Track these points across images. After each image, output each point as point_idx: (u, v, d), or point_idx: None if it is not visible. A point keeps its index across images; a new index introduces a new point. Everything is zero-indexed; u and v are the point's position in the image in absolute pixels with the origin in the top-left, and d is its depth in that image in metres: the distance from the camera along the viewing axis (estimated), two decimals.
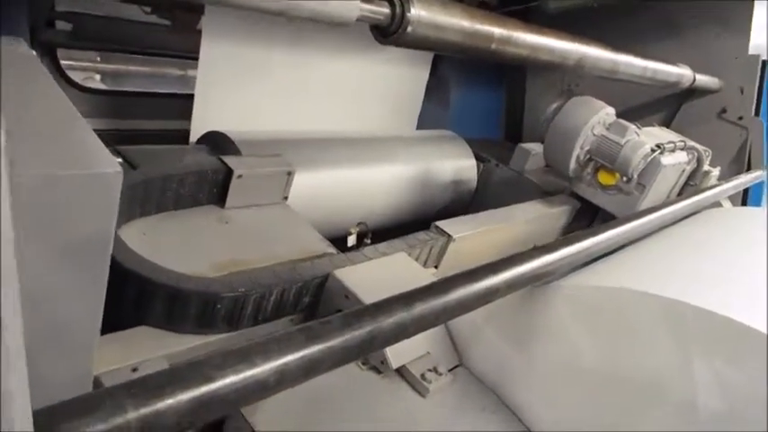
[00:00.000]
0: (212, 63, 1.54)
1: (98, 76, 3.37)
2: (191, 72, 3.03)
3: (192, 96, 1.56)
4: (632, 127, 1.48)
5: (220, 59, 1.56)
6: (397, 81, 2.14)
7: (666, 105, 2.41)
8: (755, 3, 2.17)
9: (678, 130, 2.26)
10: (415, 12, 0.78)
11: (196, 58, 1.53)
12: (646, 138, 1.56)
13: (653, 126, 1.99)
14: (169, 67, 3.49)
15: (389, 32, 0.79)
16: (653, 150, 1.49)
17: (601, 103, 1.51)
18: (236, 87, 1.61)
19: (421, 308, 0.58)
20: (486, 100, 2.91)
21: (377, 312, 0.55)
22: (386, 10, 0.77)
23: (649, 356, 0.86)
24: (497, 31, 0.92)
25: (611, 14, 2.29)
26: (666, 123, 2.38)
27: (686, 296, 0.86)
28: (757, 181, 2.20)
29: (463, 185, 2.06)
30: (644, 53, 2.31)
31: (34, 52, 0.61)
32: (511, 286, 0.75)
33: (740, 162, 2.29)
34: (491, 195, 2.08)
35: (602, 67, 1.32)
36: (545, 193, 1.83)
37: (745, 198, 2.32)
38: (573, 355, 0.91)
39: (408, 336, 0.57)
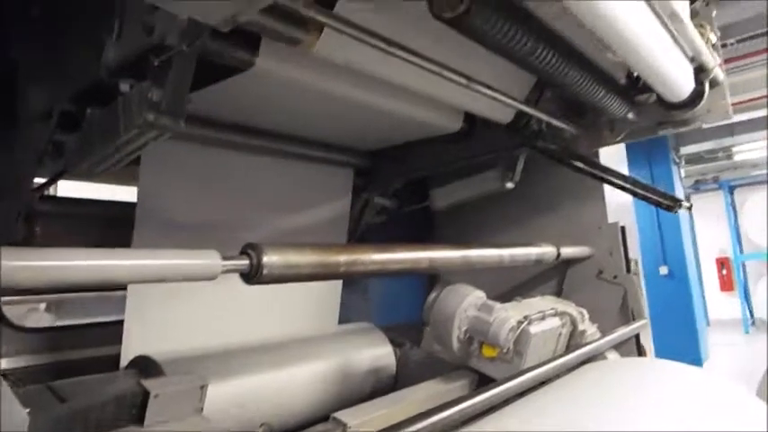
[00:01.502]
0: (139, 291, 1.78)
1: (42, 306, 3.53)
2: None
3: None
4: (497, 305, 1.76)
5: (147, 288, 1.81)
6: (316, 285, 2.41)
7: (556, 274, 2.75)
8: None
9: (568, 295, 2.59)
10: (268, 259, 1.06)
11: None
12: (518, 311, 1.84)
13: (537, 297, 2.31)
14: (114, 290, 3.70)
15: (251, 277, 1.07)
16: (520, 322, 1.76)
17: (471, 288, 1.81)
18: (163, 311, 1.84)
19: None
20: (408, 284, 3.22)
21: None
22: (245, 261, 1.06)
23: None
24: (343, 258, 1.21)
25: (491, 202, 2.72)
26: (558, 290, 2.71)
27: None
28: (640, 330, 2.50)
29: (382, 372, 2.25)
30: (522, 231, 2.72)
31: None
32: None
33: (626, 313, 2.59)
34: (409, 377, 2.27)
35: (455, 264, 1.63)
36: (454, 368, 2.05)
37: (639, 345, 2.59)
38: None
39: None
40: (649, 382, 1.70)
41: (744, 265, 10.97)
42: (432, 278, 3.21)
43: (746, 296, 10.84)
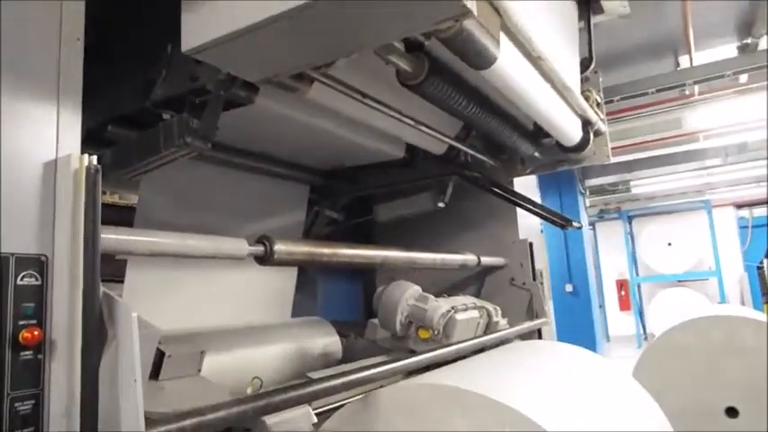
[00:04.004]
0: (135, 283, 2.12)
1: None
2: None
3: None
4: (431, 297, 2.24)
5: (141, 279, 2.15)
6: (273, 283, 2.82)
7: (476, 280, 3.27)
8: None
9: (486, 297, 3.11)
10: (277, 247, 1.49)
11: (121, 281, 2.12)
12: (446, 303, 2.33)
13: (460, 295, 2.82)
14: None
15: (264, 260, 1.49)
16: (448, 311, 2.25)
17: (410, 284, 2.28)
18: (154, 299, 2.19)
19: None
20: (348, 289, 3.68)
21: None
22: (261, 248, 1.48)
23: None
24: (326, 251, 1.65)
25: (424, 219, 3.23)
26: (478, 293, 3.24)
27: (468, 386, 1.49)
28: (542, 326, 3.06)
29: (331, 357, 2.67)
30: (449, 245, 3.24)
31: None
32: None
33: (531, 313, 3.14)
34: (354, 361, 2.70)
35: (402, 263, 2.11)
36: (391, 353, 2.50)
37: (541, 336, 3.15)
38: None
39: None
40: (544, 355, 2.23)
41: (639, 287, 12.18)
42: (366, 284, 3.69)
43: (641, 314, 12.02)
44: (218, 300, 2.47)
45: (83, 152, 1.53)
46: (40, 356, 0.86)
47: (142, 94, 1.63)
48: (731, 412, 3.46)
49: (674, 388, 3.15)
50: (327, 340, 2.70)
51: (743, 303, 11.16)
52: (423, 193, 3.02)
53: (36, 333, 0.85)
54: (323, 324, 2.79)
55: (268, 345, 2.38)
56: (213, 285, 2.44)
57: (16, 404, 0.83)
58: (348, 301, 3.66)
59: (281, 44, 1.20)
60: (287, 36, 1.17)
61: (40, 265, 0.89)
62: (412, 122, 2.02)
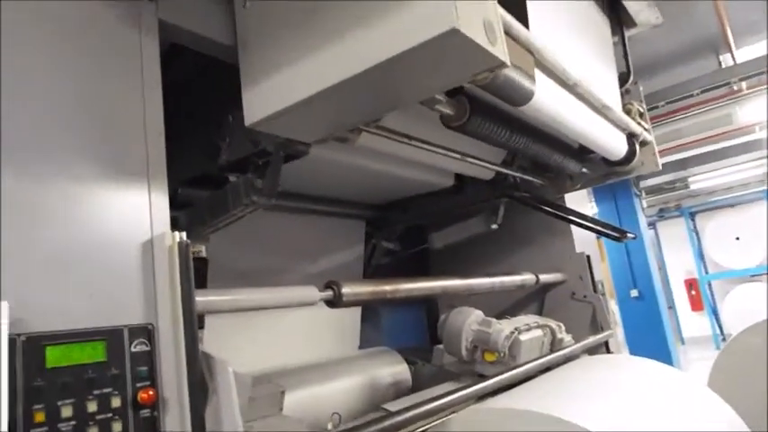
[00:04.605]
0: (214, 328, 2.28)
1: None
2: None
3: None
4: (494, 320, 2.30)
5: (219, 325, 2.31)
6: (340, 318, 2.93)
7: (537, 298, 3.30)
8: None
9: (549, 314, 3.13)
10: (345, 290, 1.60)
11: (201, 327, 2.28)
12: (509, 324, 2.38)
13: (523, 315, 2.86)
14: None
15: (334, 304, 1.60)
16: (512, 332, 2.30)
17: (471, 309, 2.35)
18: (232, 341, 2.34)
19: None
20: (411, 316, 3.76)
21: None
22: (330, 293, 1.59)
23: None
24: (388, 288, 1.75)
25: (479, 241, 3.29)
26: (540, 310, 3.26)
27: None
28: (608, 338, 3.05)
29: (401, 385, 2.76)
30: (506, 264, 3.28)
31: None
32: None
33: (596, 326, 3.14)
34: (424, 388, 2.77)
35: (461, 290, 2.18)
36: (459, 377, 2.56)
37: (608, 351, 3.14)
38: None
39: None
40: (613, 370, 2.25)
41: (710, 285, 11.71)
42: (429, 311, 3.76)
43: (715, 314, 11.53)
44: (289, 338, 2.60)
45: None
46: (155, 413, 0.99)
47: (210, 159, 1.79)
48: None
49: (753, 394, 3.06)
50: (397, 369, 2.79)
51: None
52: (475, 217, 3.09)
53: (151, 393, 0.98)
54: (390, 353, 2.89)
55: (341, 378, 2.49)
56: (284, 325, 2.58)
57: None
58: (412, 328, 3.74)
59: (332, 110, 1.32)
60: (337, 103, 1.29)
61: (147, 333, 1.02)
62: (459, 156, 2.10)
